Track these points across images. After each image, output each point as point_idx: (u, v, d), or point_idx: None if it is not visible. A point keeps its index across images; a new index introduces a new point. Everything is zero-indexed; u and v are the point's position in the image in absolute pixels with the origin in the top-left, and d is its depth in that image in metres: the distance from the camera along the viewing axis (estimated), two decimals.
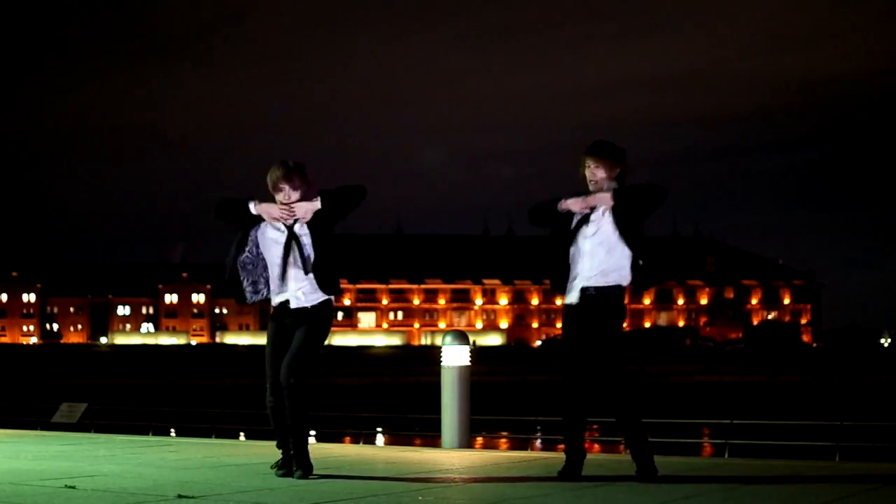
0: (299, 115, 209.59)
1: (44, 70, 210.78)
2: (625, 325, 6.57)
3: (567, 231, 6.41)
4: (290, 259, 6.51)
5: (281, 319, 6.59)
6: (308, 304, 6.53)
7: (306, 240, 6.53)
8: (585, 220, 6.35)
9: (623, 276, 6.33)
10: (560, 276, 6.42)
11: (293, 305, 6.53)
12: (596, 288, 6.31)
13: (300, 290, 6.52)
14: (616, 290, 6.34)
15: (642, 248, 6.33)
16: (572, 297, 6.39)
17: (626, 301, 6.51)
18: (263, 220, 6.59)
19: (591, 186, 6.41)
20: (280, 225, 6.55)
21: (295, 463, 6.46)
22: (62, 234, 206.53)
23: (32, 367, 64.11)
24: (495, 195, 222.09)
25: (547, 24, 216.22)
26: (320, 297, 6.55)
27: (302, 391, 6.40)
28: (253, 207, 6.55)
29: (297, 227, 6.53)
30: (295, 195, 6.50)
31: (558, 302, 6.56)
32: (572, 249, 6.37)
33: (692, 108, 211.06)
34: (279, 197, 6.53)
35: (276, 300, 6.60)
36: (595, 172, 6.38)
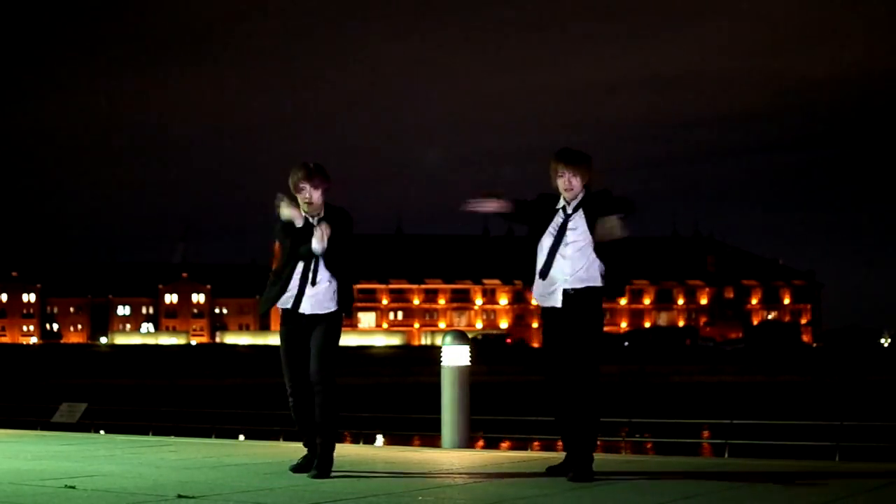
0: (299, 116, 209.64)
1: (44, 70, 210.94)
2: (604, 326, 6.70)
3: (542, 230, 6.54)
4: (308, 268, 6.57)
5: (293, 324, 6.63)
6: (321, 312, 6.59)
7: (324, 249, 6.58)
8: (565, 224, 6.49)
9: (597, 279, 6.48)
10: (531, 272, 6.56)
11: (307, 312, 6.59)
12: (576, 290, 6.45)
13: (314, 298, 6.58)
14: (594, 291, 6.48)
15: (613, 255, 6.48)
16: (554, 300, 6.50)
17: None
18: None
19: (568, 195, 6.52)
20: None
21: (316, 462, 6.54)
22: (62, 234, 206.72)
23: (32, 367, 64.04)
24: None
25: (548, 24, 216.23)
26: (332, 307, 6.62)
27: (333, 389, 6.54)
28: (283, 210, 6.55)
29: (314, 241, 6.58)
30: (316, 194, 6.56)
31: (533, 302, 6.71)
32: (543, 254, 6.52)
33: (692, 108, 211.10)
34: (301, 196, 6.58)
35: (288, 305, 6.63)
36: (572, 181, 6.50)
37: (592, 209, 6.46)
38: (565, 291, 6.46)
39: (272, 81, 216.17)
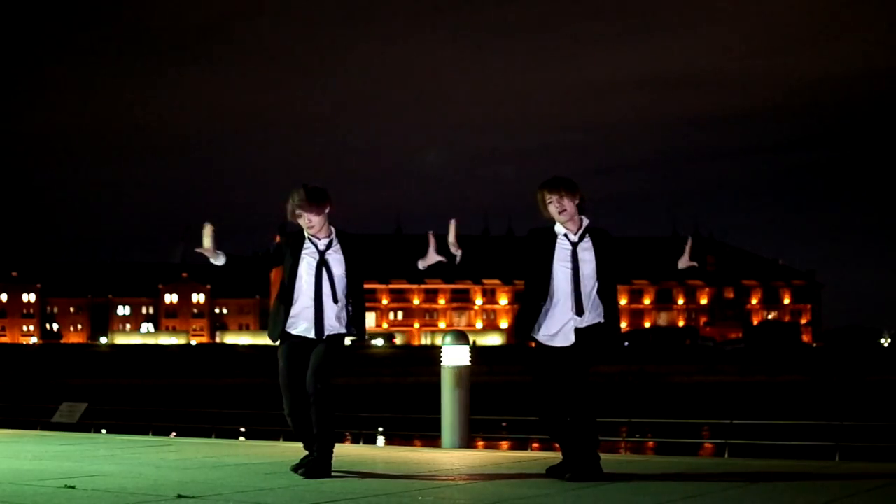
0: (299, 116, 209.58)
1: (44, 70, 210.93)
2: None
3: (548, 261, 6.36)
4: (321, 289, 6.50)
5: (296, 344, 6.56)
6: (326, 334, 6.53)
7: (337, 270, 6.55)
8: (576, 253, 6.34)
9: (600, 315, 6.36)
10: (533, 322, 6.39)
11: (313, 336, 6.52)
12: (587, 327, 6.31)
13: (309, 318, 6.51)
14: (603, 327, 6.37)
15: (614, 305, 6.41)
16: (564, 339, 6.33)
17: None
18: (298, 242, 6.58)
19: (563, 217, 6.37)
20: (314, 252, 6.54)
21: (309, 461, 6.49)
22: (62, 234, 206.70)
23: (32, 367, 64.07)
24: (495, 195, 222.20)
25: (547, 24, 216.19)
26: (338, 329, 6.55)
27: (329, 397, 6.45)
28: (205, 240, 6.49)
29: (329, 255, 6.53)
30: (316, 219, 6.50)
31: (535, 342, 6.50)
32: (556, 288, 6.34)
33: (692, 108, 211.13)
34: (300, 221, 6.53)
35: (294, 328, 6.55)
36: (562, 203, 6.34)
37: (603, 247, 6.35)
38: (577, 330, 6.28)
39: (272, 81, 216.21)
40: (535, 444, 12.85)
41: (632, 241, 6.63)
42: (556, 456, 7.57)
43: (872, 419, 11.52)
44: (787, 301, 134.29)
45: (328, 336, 6.53)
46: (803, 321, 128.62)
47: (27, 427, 12.78)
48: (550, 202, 6.35)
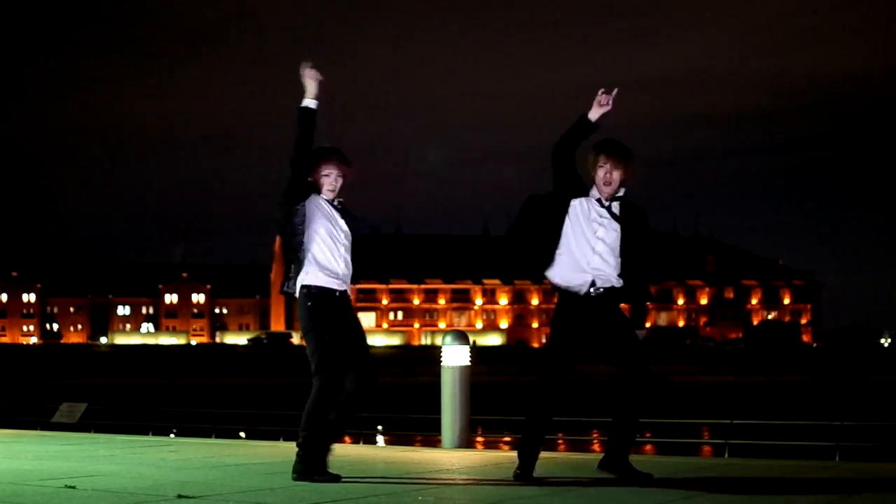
0: None
1: (45, 70, 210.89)
2: None
3: (560, 220, 6.21)
4: (340, 238, 6.32)
5: (325, 303, 6.24)
6: (346, 289, 6.33)
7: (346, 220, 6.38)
8: (599, 216, 6.20)
9: (618, 283, 6.27)
10: (547, 255, 6.22)
11: (339, 289, 6.29)
12: (609, 288, 6.22)
13: (344, 275, 6.31)
14: (618, 291, 6.29)
15: (644, 271, 6.29)
16: (584, 281, 6.18)
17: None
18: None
19: (607, 190, 6.16)
20: (329, 206, 6.35)
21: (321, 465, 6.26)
22: (62, 234, 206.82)
23: (32, 367, 64.06)
24: (495, 195, 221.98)
25: (548, 25, 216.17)
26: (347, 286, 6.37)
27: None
28: (309, 101, 6.56)
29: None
30: (341, 181, 6.41)
31: (557, 280, 6.22)
32: (578, 239, 6.17)
33: (692, 108, 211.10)
34: (327, 182, 6.38)
35: (321, 282, 6.23)
36: (613, 174, 6.13)
37: (629, 221, 6.18)
38: (600, 288, 6.17)
39: (272, 81, 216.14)
40: None
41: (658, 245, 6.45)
42: (556, 456, 7.56)
43: (872, 419, 11.51)
44: (787, 301, 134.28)
45: (347, 295, 6.35)
46: (803, 321, 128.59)
47: (27, 427, 12.77)
48: (602, 167, 6.15)
